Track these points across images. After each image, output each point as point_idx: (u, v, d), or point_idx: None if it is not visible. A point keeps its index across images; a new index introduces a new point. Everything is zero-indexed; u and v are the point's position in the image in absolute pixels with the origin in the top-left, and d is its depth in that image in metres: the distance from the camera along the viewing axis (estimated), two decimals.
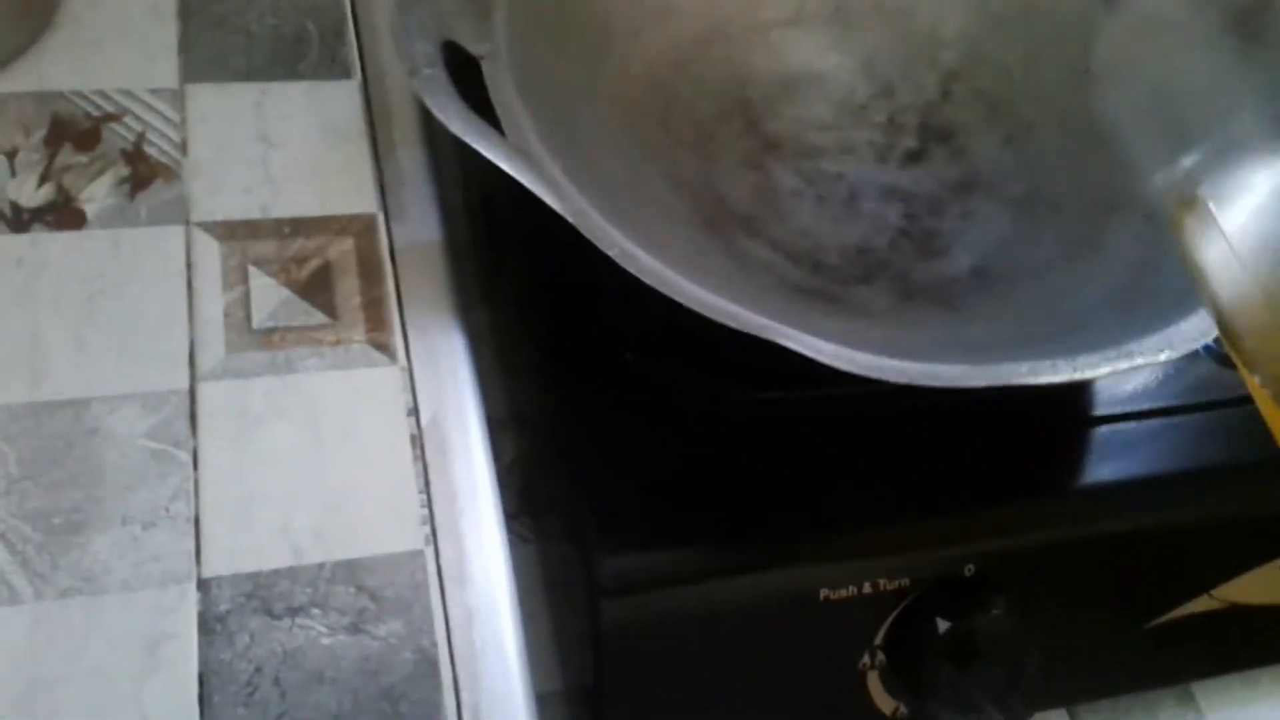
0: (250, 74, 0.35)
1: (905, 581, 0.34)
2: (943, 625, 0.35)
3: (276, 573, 0.26)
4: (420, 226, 0.33)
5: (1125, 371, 0.35)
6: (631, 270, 0.31)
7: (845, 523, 0.34)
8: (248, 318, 0.29)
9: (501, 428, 0.36)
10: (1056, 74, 0.44)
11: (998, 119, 0.45)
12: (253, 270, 0.30)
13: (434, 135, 0.36)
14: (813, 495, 0.35)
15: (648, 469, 0.34)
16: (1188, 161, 0.21)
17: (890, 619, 0.35)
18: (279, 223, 0.31)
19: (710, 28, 0.44)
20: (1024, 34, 0.45)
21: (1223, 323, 0.22)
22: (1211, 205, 0.20)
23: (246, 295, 0.30)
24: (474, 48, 0.34)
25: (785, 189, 0.43)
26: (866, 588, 0.34)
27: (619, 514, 0.33)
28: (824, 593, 0.34)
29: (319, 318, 0.30)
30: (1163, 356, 0.33)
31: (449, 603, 0.26)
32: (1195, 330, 0.33)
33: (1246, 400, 0.40)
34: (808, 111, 0.45)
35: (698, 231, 0.40)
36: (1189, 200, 0.21)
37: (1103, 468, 0.39)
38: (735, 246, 0.40)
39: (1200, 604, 0.40)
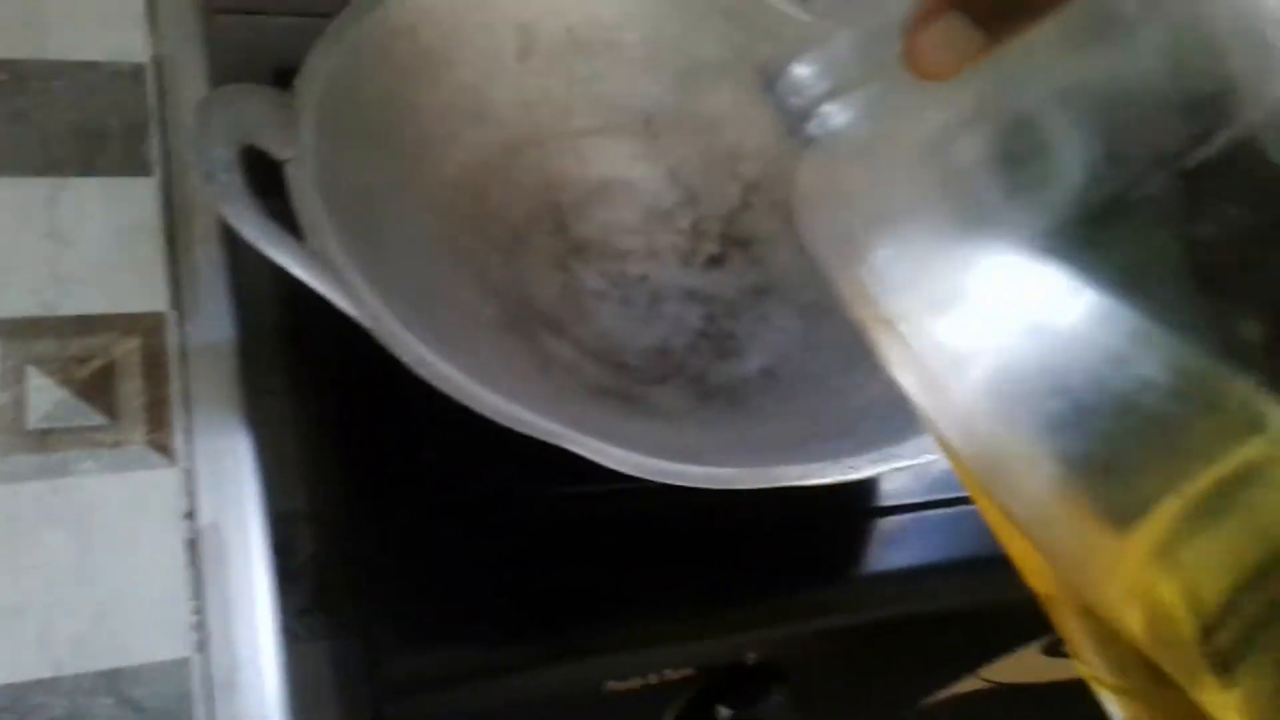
0: (44, 169, 0.35)
1: (689, 671, 0.36)
2: (725, 714, 0.37)
3: (34, 684, 0.25)
4: (214, 324, 0.33)
5: (888, 471, 0.38)
6: (424, 376, 0.32)
7: (631, 614, 0.36)
8: (22, 419, 0.29)
9: (297, 523, 0.36)
10: None
11: (792, 229, 0.48)
12: (31, 370, 0.30)
13: (235, 232, 0.36)
14: (602, 588, 0.36)
15: (437, 566, 0.35)
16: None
17: (675, 710, 0.36)
18: (63, 321, 0.31)
19: (523, 135, 0.47)
20: None
21: None
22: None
23: (22, 396, 0.29)
24: (278, 152, 0.35)
25: (591, 290, 0.45)
26: (652, 678, 0.36)
27: (405, 612, 0.33)
28: (610, 684, 0.35)
29: (97, 419, 0.30)
30: (922, 459, 0.36)
31: (217, 712, 0.26)
32: None
33: None
34: (615, 216, 0.47)
35: (504, 333, 0.41)
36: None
37: (879, 557, 0.41)
38: (540, 347, 0.42)
39: (969, 684, 0.43)
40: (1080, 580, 0.21)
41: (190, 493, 0.29)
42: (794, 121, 0.23)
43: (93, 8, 0.40)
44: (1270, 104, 0.18)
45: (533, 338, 0.42)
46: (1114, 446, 0.20)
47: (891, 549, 0.41)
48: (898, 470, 0.39)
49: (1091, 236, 0.19)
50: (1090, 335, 0.19)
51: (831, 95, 0.22)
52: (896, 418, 0.38)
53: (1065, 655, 0.44)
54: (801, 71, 0.22)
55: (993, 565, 0.42)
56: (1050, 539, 0.21)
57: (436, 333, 0.34)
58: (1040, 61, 0.20)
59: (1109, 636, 0.20)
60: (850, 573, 0.41)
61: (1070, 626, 0.22)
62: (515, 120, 0.47)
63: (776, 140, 0.50)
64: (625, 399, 0.41)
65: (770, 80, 0.23)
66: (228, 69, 0.42)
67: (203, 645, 0.27)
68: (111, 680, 0.26)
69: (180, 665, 0.26)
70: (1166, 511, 0.19)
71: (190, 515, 0.29)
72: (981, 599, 0.42)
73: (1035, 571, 0.22)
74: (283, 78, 0.46)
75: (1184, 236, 0.19)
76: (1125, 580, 0.20)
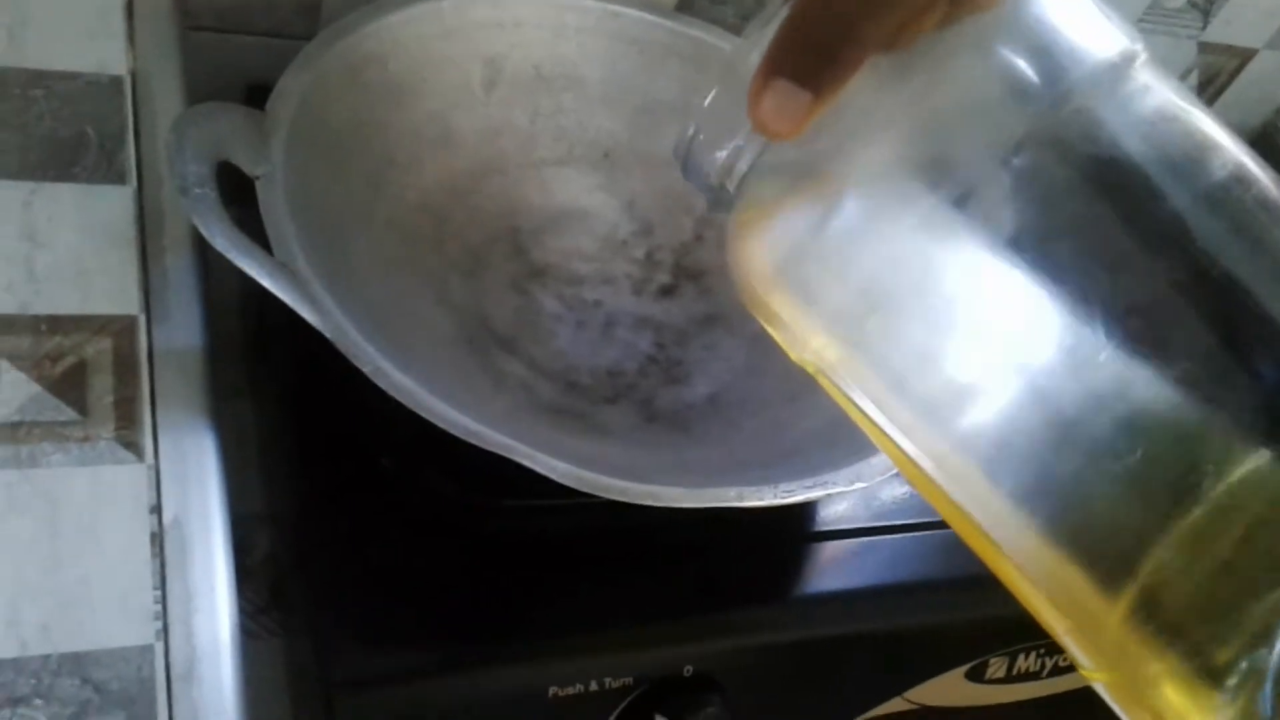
0: (21, 173, 0.36)
1: (629, 680, 0.37)
2: None
3: (0, 663, 0.26)
4: (182, 330, 0.34)
5: (823, 498, 0.40)
6: (383, 386, 0.33)
7: (575, 624, 0.37)
8: None
9: (255, 523, 0.37)
10: None
11: None
12: (3, 364, 0.31)
13: (205, 241, 0.37)
14: (548, 598, 0.38)
15: (390, 570, 0.36)
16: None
17: (613, 716, 0.38)
18: (37, 319, 0.32)
19: (486, 162, 0.48)
20: None
21: None
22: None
23: None
24: (250, 169, 0.36)
25: (547, 312, 0.46)
26: (593, 685, 0.37)
27: (357, 612, 0.35)
28: (553, 690, 0.36)
29: (68, 414, 0.31)
30: (855, 486, 0.38)
31: (175, 699, 0.27)
32: (884, 464, 0.39)
33: (941, 525, 0.46)
34: (573, 243, 0.49)
35: (460, 350, 0.43)
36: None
37: (813, 580, 0.43)
38: (495, 365, 0.43)
39: (895, 704, 0.45)
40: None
41: (156, 488, 0.30)
42: (711, 195, 0.26)
43: (73, 21, 0.41)
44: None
45: (488, 355, 0.43)
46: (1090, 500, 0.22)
47: (826, 573, 0.43)
48: (832, 497, 0.41)
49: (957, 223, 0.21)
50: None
51: (728, 159, 0.24)
52: (833, 448, 0.40)
53: (987, 681, 0.47)
54: (698, 150, 0.25)
55: (921, 591, 0.45)
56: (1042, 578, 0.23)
57: (396, 346, 0.36)
58: (873, 100, 0.22)
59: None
60: (785, 594, 0.42)
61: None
62: (479, 148, 0.48)
63: None
64: (575, 417, 0.43)
65: (683, 167, 0.25)
66: (201, 84, 0.44)
67: (164, 634, 0.28)
68: (76, 663, 0.26)
69: (143, 652, 0.27)
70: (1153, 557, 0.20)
71: (155, 510, 0.30)
72: (909, 624, 0.44)
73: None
74: (254, 94, 0.48)
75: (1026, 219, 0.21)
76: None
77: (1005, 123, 0.21)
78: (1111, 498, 0.21)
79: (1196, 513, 0.20)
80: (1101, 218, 0.21)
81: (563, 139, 0.51)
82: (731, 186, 0.25)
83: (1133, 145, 0.21)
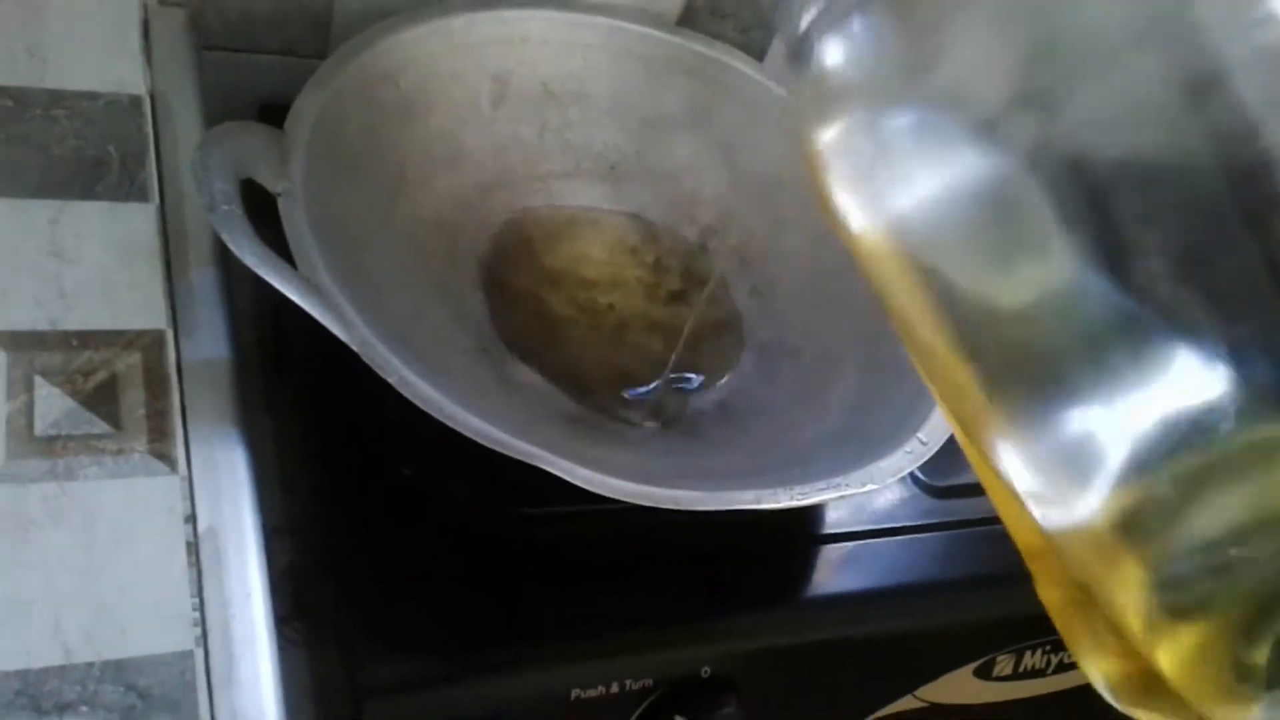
0: (46, 191, 0.36)
1: (649, 682, 0.38)
2: None
3: (46, 671, 0.27)
4: (208, 343, 0.35)
5: (835, 499, 0.41)
6: (409, 396, 0.34)
7: (596, 627, 0.38)
8: (30, 426, 0.31)
9: (278, 534, 0.37)
10: (799, 240, 0.51)
11: (746, 272, 0.52)
12: (38, 380, 0.32)
13: (227, 256, 0.38)
14: (569, 603, 0.38)
15: (414, 577, 0.37)
16: None
17: (634, 717, 0.39)
18: (67, 335, 0.33)
19: (495, 176, 0.49)
20: (770, 204, 0.52)
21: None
22: None
23: (30, 404, 0.31)
24: (272, 186, 0.37)
25: (561, 316, 0.47)
26: (614, 688, 0.38)
27: (384, 618, 0.35)
28: (575, 692, 0.37)
29: (102, 427, 0.31)
30: (867, 488, 0.39)
31: (216, 703, 0.28)
32: (894, 467, 0.39)
33: (947, 526, 0.47)
34: (583, 249, 0.50)
35: (476, 361, 0.44)
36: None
37: (824, 582, 0.44)
38: (511, 375, 0.44)
39: (905, 703, 0.46)
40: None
41: (190, 499, 0.31)
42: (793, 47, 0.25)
43: (92, 42, 0.42)
44: None
45: (504, 365, 0.44)
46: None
47: (836, 575, 0.44)
48: (843, 499, 0.42)
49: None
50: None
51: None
52: (844, 451, 0.41)
53: (994, 679, 0.47)
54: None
55: (930, 591, 0.46)
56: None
57: (416, 358, 0.36)
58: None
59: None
60: (798, 596, 0.43)
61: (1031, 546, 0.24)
62: (488, 163, 0.49)
63: (730, 190, 0.53)
64: (590, 425, 0.43)
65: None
66: (217, 103, 0.44)
67: (203, 640, 0.28)
68: (119, 669, 0.27)
69: (183, 657, 0.28)
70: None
71: (190, 520, 0.30)
72: (919, 624, 0.45)
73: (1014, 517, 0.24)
74: (267, 112, 0.48)
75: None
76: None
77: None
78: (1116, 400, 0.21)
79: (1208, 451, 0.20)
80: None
81: (570, 152, 0.52)
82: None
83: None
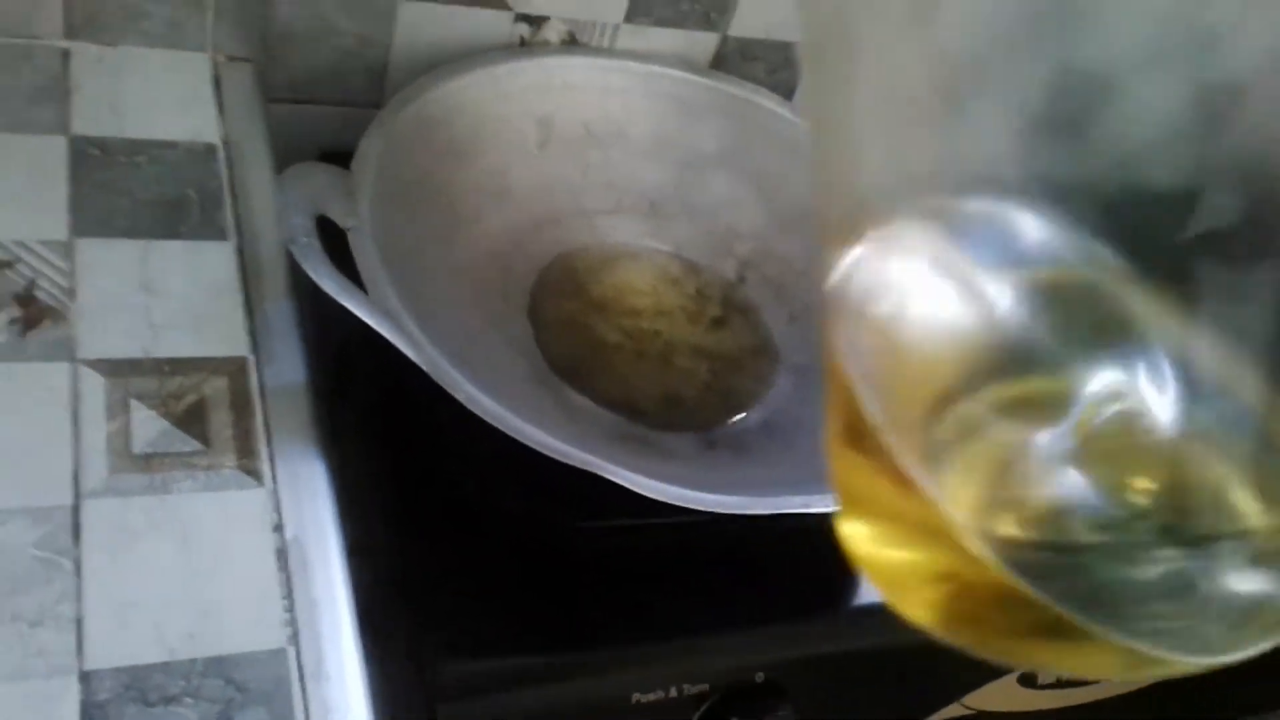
0: (134, 232, 0.39)
1: (705, 687, 0.40)
2: None
3: (152, 667, 0.29)
4: (287, 369, 0.37)
5: None
6: (477, 412, 0.36)
7: (655, 634, 0.40)
8: (128, 444, 0.33)
9: (351, 553, 0.39)
10: None
11: (783, 301, 0.54)
12: (134, 403, 0.34)
13: (300, 291, 0.41)
14: (629, 611, 0.40)
15: (481, 589, 0.39)
16: None
17: None
18: (159, 362, 0.35)
19: (543, 213, 0.52)
20: (804, 234, 0.54)
21: None
22: None
23: (127, 425, 0.33)
24: (342, 221, 0.40)
25: (609, 343, 0.49)
26: (672, 692, 0.39)
27: (455, 627, 0.37)
28: (635, 696, 0.38)
29: (193, 445, 0.34)
30: None
31: (309, 696, 0.30)
32: None
33: None
34: (627, 279, 0.52)
35: (528, 384, 0.46)
36: None
37: (874, 590, 0.45)
38: (564, 399, 0.46)
39: (953, 710, 0.47)
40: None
41: (277, 510, 0.33)
42: None
43: (170, 96, 0.45)
44: None
45: (557, 390, 0.46)
46: None
47: None
48: None
49: None
50: None
51: None
52: None
53: (1039, 687, 0.48)
54: None
55: None
56: None
57: (477, 379, 0.39)
58: None
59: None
60: (847, 604, 0.45)
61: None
62: (536, 200, 0.52)
63: (765, 223, 0.56)
64: (641, 443, 0.45)
65: None
66: (282, 150, 0.47)
67: (295, 638, 0.30)
68: (219, 665, 0.29)
69: (276, 655, 0.30)
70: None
71: (278, 528, 0.32)
72: None
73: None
74: (327, 157, 0.51)
75: None
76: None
77: None
78: None
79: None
80: None
81: (612, 190, 0.54)
82: None
83: None
